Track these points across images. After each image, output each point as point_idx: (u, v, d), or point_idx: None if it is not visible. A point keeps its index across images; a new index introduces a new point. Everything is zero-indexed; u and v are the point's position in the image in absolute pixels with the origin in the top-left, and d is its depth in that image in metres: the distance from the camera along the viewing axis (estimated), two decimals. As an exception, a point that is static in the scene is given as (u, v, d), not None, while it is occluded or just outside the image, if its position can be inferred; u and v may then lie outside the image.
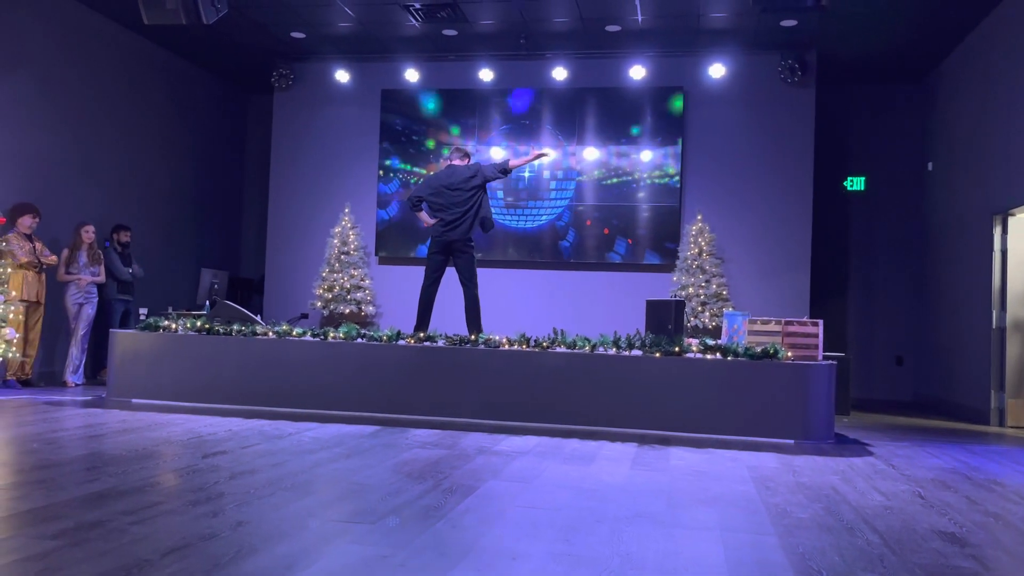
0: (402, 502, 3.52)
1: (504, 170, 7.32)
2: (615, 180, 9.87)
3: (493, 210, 10.00)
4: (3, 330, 6.90)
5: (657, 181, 9.78)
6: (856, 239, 10.79)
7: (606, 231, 9.84)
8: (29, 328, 7.84)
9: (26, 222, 7.79)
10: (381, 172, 10.36)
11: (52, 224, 8.35)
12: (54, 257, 8.07)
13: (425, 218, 7.31)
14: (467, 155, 7.44)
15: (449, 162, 7.40)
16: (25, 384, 7.83)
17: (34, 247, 7.85)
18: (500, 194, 10.06)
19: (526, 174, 10.04)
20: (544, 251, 9.98)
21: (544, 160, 7.36)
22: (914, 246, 10.51)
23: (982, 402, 8.16)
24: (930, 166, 10.11)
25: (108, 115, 9.38)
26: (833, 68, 9.88)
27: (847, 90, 10.68)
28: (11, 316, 7.18)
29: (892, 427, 7.41)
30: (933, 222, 10.00)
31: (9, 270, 7.38)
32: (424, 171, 10.25)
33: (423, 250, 10.19)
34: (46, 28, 8.45)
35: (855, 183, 10.78)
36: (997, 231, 8.12)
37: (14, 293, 7.47)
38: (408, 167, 10.32)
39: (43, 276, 7.96)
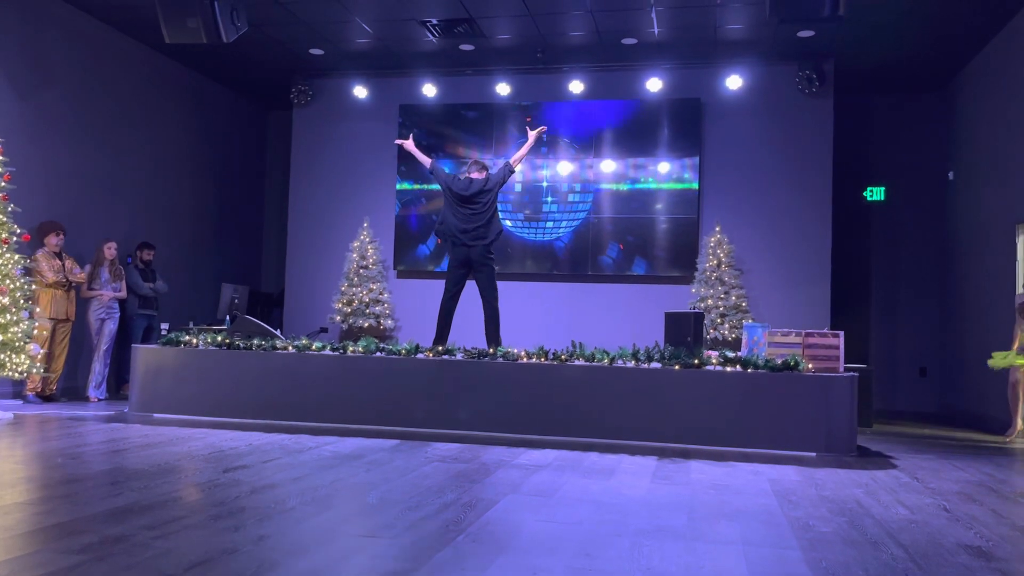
0: (422, 516, 3.52)
1: (510, 169, 7.40)
2: (633, 192, 9.86)
3: (511, 222, 10.07)
4: (27, 346, 6.98)
5: (675, 193, 9.77)
6: (877, 249, 10.71)
7: (623, 244, 9.83)
8: (56, 344, 7.94)
9: (52, 240, 7.90)
10: (399, 186, 10.41)
11: (76, 240, 8.45)
12: (83, 275, 8.17)
13: (411, 147, 7.63)
14: (484, 167, 7.47)
15: (468, 175, 7.43)
16: (48, 400, 7.91)
17: (63, 265, 7.95)
18: (513, 205, 10.08)
19: (544, 185, 10.06)
20: (562, 264, 9.98)
21: (542, 132, 7.50)
22: (936, 256, 10.41)
23: (1007, 413, 8.04)
24: (951, 175, 10.03)
25: (131, 133, 9.51)
26: (851, 78, 9.84)
27: (866, 100, 10.63)
28: (35, 333, 7.27)
29: (916, 439, 7.33)
30: (955, 231, 9.91)
31: (34, 287, 7.47)
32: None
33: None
34: (71, 48, 8.59)
35: (875, 193, 10.71)
36: (1020, 240, 8.03)
37: (39, 310, 7.56)
38: (426, 182, 10.37)
39: (72, 294, 8.06)
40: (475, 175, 7.35)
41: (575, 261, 9.95)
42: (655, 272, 9.77)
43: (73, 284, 8.05)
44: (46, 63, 8.30)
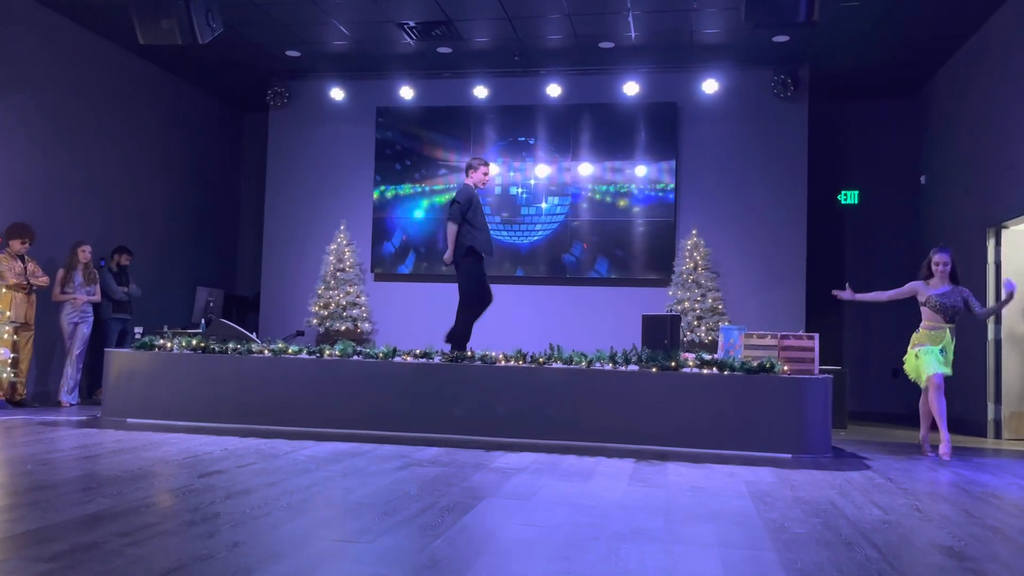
0: (399, 520, 3.50)
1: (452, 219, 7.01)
2: (610, 196, 9.90)
3: (490, 225, 10.05)
4: (-3, 350, 6.87)
5: (652, 196, 9.81)
6: (851, 252, 10.82)
7: (600, 247, 9.86)
8: (19, 349, 7.79)
9: (16, 245, 7.75)
10: (376, 189, 10.38)
11: (49, 244, 8.34)
12: (46, 279, 8.02)
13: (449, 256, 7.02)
14: (468, 168, 7.23)
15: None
16: (18, 405, 7.79)
17: (25, 268, 7.81)
18: (491, 208, 10.08)
19: (521, 188, 10.07)
20: (540, 266, 9.99)
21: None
22: (909, 259, 10.51)
23: (979, 415, 8.16)
24: (923, 179, 10.16)
25: (104, 135, 9.40)
26: (826, 83, 9.94)
27: (840, 104, 10.74)
28: (5, 336, 7.15)
29: (889, 440, 7.41)
30: (927, 235, 10.03)
31: (3, 290, 7.35)
32: (420, 187, 10.28)
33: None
34: (43, 49, 8.47)
35: (849, 197, 10.82)
36: (991, 243, 8.15)
37: (8, 313, 7.44)
38: (404, 184, 10.34)
39: (33, 298, 7.91)
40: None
41: (553, 264, 9.97)
42: (632, 275, 9.80)
43: (34, 287, 7.89)
44: (16, 63, 8.18)
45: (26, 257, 7.86)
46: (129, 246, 9.23)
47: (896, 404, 10.47)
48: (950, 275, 6.39)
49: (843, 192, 10.82)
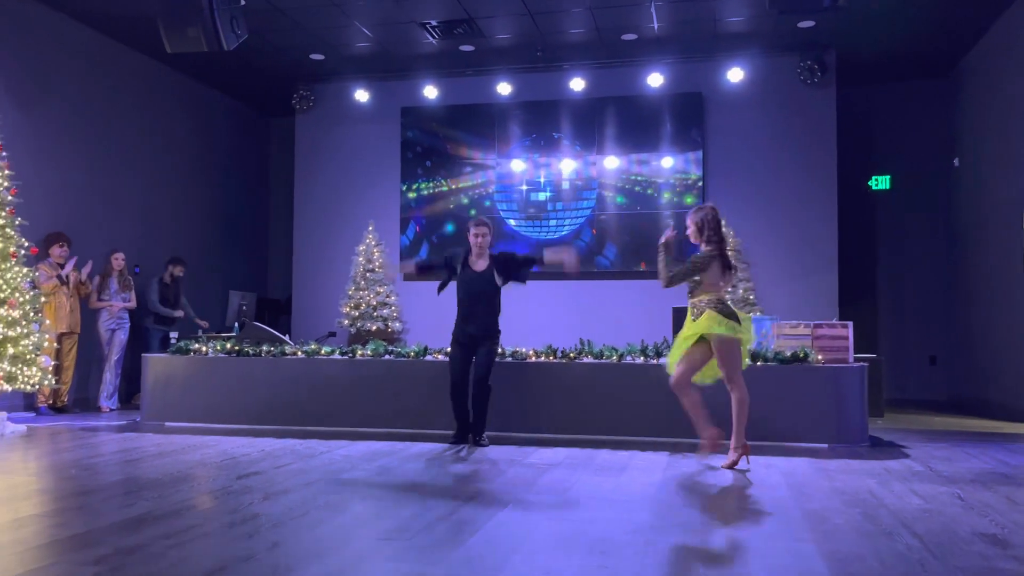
0: (436, 517, 3.52)
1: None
2: (636, 188, 9.85)
3: (514, 221, 10.07)
4: (38, 358, 7.00)
5: (679, 187, 9.75)
6: (883, 238, 10.67)
7: (628, 240, 9.81)
8: (64, 356, 7.95)
9: (56, 251, 7.89)
10: (403, 189, 10.42)
11: (83, 252, 8.46)
12: (86, 280, 8.10)
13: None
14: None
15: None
16: (60, 411, 7.94)
17: (69, 277, 7.92)
18: (516, 204, 10.08)
19: (547, 183, 10.05)
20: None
21: None
22: (943, 243, 10.37)
23: (1018, 400, 8.01)
24: (956, 162, 9.98)
25: (135, 143, 9.53)
26: (853, 67, 9.80)
27: (869, 89, 10.58)
28: (46, 344, 7.29)
29: (927, 428, 7.30)
30: (961, 218, 9.86)
31: (43, 299, 7.48)
32: (445, 186, 10.31)
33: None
34: (73, 61, 8.61)
35: (880, 182, 10.67)
36: (1028, 225, 7.99)
37: (48, 322, 7.59)
38: (430, 183, 10.38)
39: (76, 303, 8.04)
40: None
41: (580, 259, 9.93)
42: (661, 267, 9.74)
43: (74, 282, 7.92)
44: (48, 76, 8.33)
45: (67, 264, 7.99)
46: (160, 252, 9.34)
47: (934, 391, 10.32)
48: (705, 236, 5.09)
49: (874, 178, 10.68)
